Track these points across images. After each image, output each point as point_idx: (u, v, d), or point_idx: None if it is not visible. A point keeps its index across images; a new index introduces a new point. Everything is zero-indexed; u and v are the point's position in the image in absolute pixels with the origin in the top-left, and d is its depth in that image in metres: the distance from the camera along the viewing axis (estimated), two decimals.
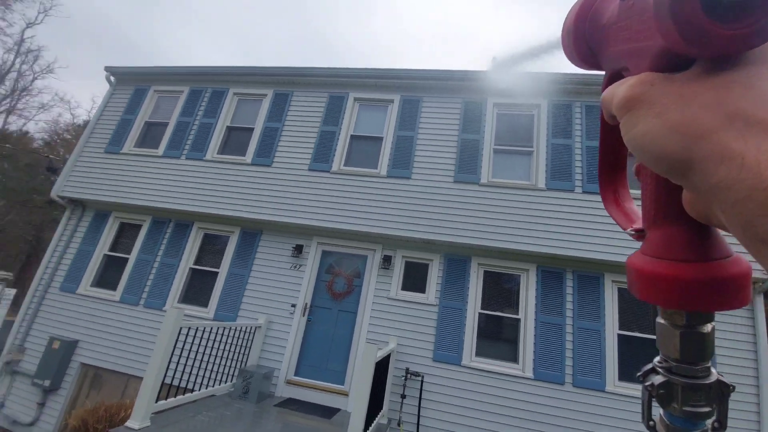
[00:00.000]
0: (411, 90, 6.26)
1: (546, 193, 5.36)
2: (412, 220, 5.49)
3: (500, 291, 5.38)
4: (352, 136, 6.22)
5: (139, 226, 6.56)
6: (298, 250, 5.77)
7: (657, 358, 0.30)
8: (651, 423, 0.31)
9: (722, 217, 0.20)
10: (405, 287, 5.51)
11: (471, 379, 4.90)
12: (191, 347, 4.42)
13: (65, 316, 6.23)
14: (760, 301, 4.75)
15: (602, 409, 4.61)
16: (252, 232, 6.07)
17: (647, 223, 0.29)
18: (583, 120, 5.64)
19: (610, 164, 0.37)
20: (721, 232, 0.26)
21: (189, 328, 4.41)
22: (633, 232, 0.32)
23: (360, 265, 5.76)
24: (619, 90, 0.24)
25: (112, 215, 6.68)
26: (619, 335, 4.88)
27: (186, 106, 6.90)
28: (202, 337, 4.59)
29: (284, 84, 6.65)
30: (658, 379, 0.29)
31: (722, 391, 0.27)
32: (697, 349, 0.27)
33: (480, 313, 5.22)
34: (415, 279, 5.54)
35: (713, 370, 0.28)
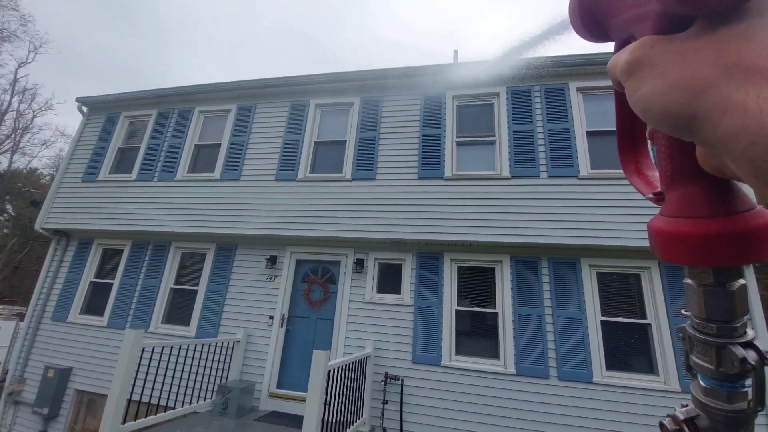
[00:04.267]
0: (371, 91, 6.20)
1: (511, 182, 5.19)
2: (380, 221, 5.40)
3: (476, 285, 5.22)
4: (316, 142, 6.19)
5: (121, 251, 6.66)
6: (272, 261, 5.74)
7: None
8: (689, 366, 0.31)
9: (734, 168, 0.20)
10: (380, 289, 5.41)
11: (452, 379, 4.75)
12: (167, 365, 4.43)
13: (58, 344, 6.35)
14: (750, 270, 4.47)
15: (591, 402, 4.39)
16: (227, 247, 6.08)
17: (665, 184, 0.29)
18: (543, 104, 5.46)
19: (629, 134, 0.37)
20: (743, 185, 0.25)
21: (163, 347, 4.46)
22: (652, 197, 0.32)
23: (334, 270, 5.69)
24: (622, 56, 0.25)
25: (94, 243, 6.81)
26: (602, 322, 4.65)
27: (155, 128, 7.01)
28: (179, 355, 4.61)
29: (247, 97, 6.69)
30: (683, 326, 0.30)
31: (746, 364, 0.26)
32: (723, 307, 0.27)
33: (457, 310, 5.07)
34: (389, 280, 5.43)
35: (750, 332, 0.27)
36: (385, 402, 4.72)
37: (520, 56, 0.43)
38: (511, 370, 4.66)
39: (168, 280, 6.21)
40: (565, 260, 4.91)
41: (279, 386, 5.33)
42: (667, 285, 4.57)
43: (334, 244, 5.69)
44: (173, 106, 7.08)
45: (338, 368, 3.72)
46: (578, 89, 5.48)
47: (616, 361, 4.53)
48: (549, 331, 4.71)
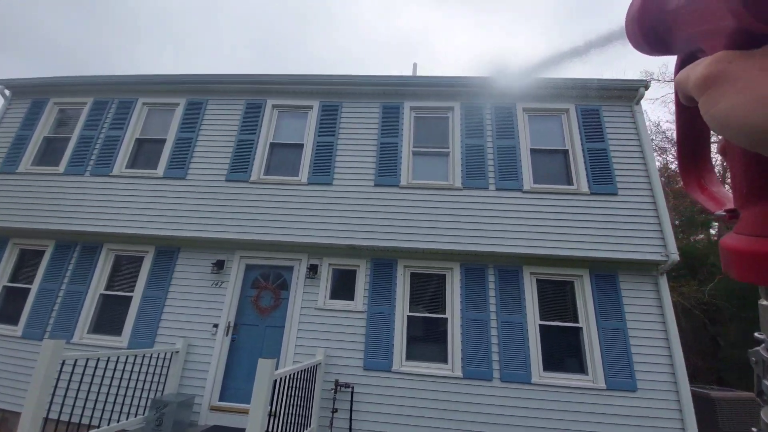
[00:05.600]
0: (331, 96, 6.19)
1: (463, 192, 5.44)
2: (335, 227, 5.37)
3: (427, 292, 5.36)
4: (271, 144, 6.02)
5: (42, 253, 5.94)
6: (219, 266, 5.45)
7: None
8: (761, 391, 0.30)
9: None
10: (333, 296, 5.35)
11: (402, 385, 4.81)
12: (93, 379, 4.02)
13: None
14: (664, 279, 5.05)
15: (529, 402, 4.65)
16: (168, 251, 5.67)
17: (740, 201, 0.28)
18: (493, 121, 5.83)
19: (691, 149, 0.36)
20: None
21: (88, 360, 4.06)
22: (724, 214, 0.31)
23: (287, 276, 5.54)
24: (696, 70, 0.24)
25: (10, 242, 6.01)
26: (540, 326, 4.99)
27: (90, 118, 6.39)
28: (106, 368, 4.21)
29: (198, 92, 6.35)
30: (756, 349, 0.29)
31: None
32: None
33: (408, 316, 5.16)
34: (343, 286, 5.39)
35: None
36: (334, 410, 4.65)
37: (556, 69, 0.40)
38: (458, 373, 4.82)
39: (98, 286, 5.64)
40: (509, 268, 5.22)
41: (222, 399, 5.04)
42: (596, 291, 5.03)
43: (287, 249, 5.55)
44: (113, 95, 6.51)
45: (286, 377, 3.61)
46: (524, 110, 5.90)
47: (551, 362, 4.86)
48: (493, 335, 4.95)
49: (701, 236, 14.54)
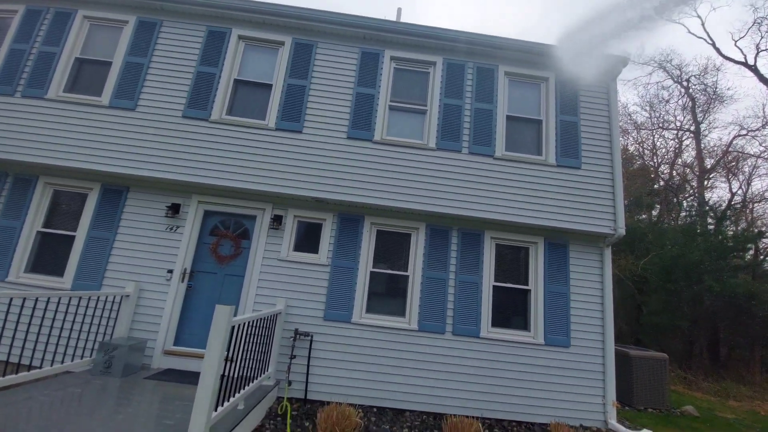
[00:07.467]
0: (305, 32, 5.67)
1: (436, 153, 5.39)
2: (303, 177, 5.17)
3: (392, 249, 5.44)
4: (236, 80, 5.50)
5: None
6: (174, 209, 5.12)
7: None
8: None
9: None
10: (297, 248, 5.28)
11: (360, 335, 4.99)
12: (31, 320, 3.75)
13: None
14: (608, 251, 5.47)
15: (477, 353, 5.04)
16: (116, 189, 5.21)
17: None
18: (474, 82, 5.68)
19: None
20: None
21: (25, 299, 3.76)
22: None
23: (249, 225, 5.35)
24: None
25: None
26: (494, 287, 5.29)
27: (21, 29, 5.41)
28: (46, 309, 3.94)
29: (151, 10, 5.53)
30: None
31: None
32: None
33: (371, 272, 5.24)
34: (308, 239, 5.32)
35: None
36: (292, 357, 4.77)
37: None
38: (414, 326, 5.07)
39: (34, 222, 5.13)
40: (472, 231, 5.39)
41: (177, 344, 4.98)
42: (548, 258, 5.36)
43: (250, 197, 5.30)
44: (48, 3, 5.50)
45: (244, 324, 3.59)
46: (506, 73, 5.79)
47: (499, 319, 5.23)
48: (450, 293, 5.20)
49: (644, 216, 15.86)
